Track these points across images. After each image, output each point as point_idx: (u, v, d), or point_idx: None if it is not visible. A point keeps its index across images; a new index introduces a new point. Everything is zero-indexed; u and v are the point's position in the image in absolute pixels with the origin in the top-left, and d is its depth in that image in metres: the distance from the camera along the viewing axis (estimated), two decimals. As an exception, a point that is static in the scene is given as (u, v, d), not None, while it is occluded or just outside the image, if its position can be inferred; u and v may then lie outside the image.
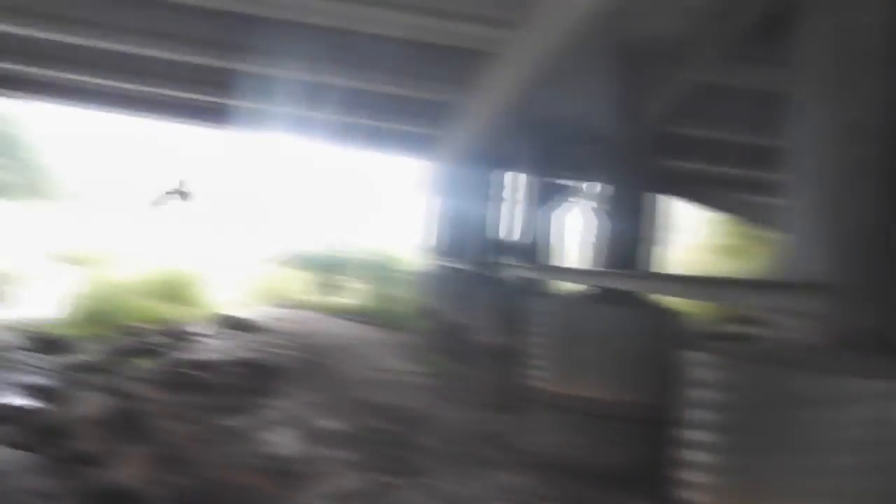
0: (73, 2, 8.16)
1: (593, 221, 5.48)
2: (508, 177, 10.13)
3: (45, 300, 18.58)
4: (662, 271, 5.64)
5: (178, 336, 10.69)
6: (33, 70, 11.35)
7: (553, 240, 8.01)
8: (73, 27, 8.36)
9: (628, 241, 5.24)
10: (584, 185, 6.48)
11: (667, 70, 4.90)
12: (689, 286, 4.14)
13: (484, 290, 7.78)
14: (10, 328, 12.21)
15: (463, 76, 8.63)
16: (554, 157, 7.55)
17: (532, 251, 7.26)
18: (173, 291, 14.99)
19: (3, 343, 10.65)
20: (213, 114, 13.65)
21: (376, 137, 14.14)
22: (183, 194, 23.18)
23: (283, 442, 6.53)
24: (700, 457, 3.09)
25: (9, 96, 15.34)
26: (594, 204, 5.70)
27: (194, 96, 12.22)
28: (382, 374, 8.74)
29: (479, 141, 8.71)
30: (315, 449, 6.41)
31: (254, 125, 14.28)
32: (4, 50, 10.34)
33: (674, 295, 4.51)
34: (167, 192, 23.51)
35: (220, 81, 10.70)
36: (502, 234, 10.02)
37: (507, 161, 9.46)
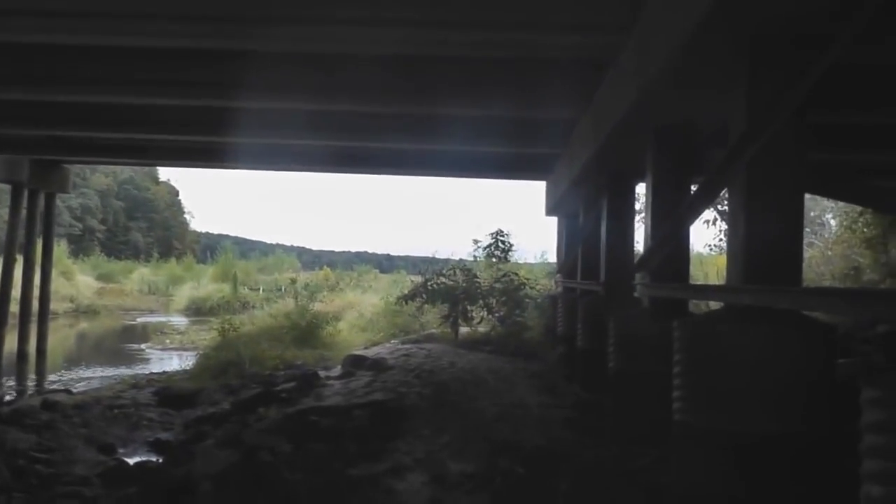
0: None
1: (735, 228, 4.84)
2: (635, 191, 9.60)
3: (177, 354, 19.13)
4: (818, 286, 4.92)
5: (306, 381, 10.52)
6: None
7: (689, 254, 7.38)
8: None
9: (772, 248, 4.58)
10: (720, 191, 5.79)
11: (807, 54, 4.27)
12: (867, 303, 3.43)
13: (616, 313, 7.24)
14: (139, 385, 12.41)
15: (576, 90, 8.20)
16: (685, 163, 6.93)
17: (668, 268, 6.64)
18: (304, 335, 15.01)
19: (131, 400, 10.79)
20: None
21: (497, 164, 13.86)
22: None
23: (411, 489, 6.19)
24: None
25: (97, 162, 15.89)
26: (730, 209, 5.06)
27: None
28: (512, 408, 8.29)
29: (602, 155, 8.20)
30: (446, 495, 6.04)
31: (377, 164, 14.27)
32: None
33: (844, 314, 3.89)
34: None
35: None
36: (633, 252, 9.50)
37: (632, 174, 8.96)
